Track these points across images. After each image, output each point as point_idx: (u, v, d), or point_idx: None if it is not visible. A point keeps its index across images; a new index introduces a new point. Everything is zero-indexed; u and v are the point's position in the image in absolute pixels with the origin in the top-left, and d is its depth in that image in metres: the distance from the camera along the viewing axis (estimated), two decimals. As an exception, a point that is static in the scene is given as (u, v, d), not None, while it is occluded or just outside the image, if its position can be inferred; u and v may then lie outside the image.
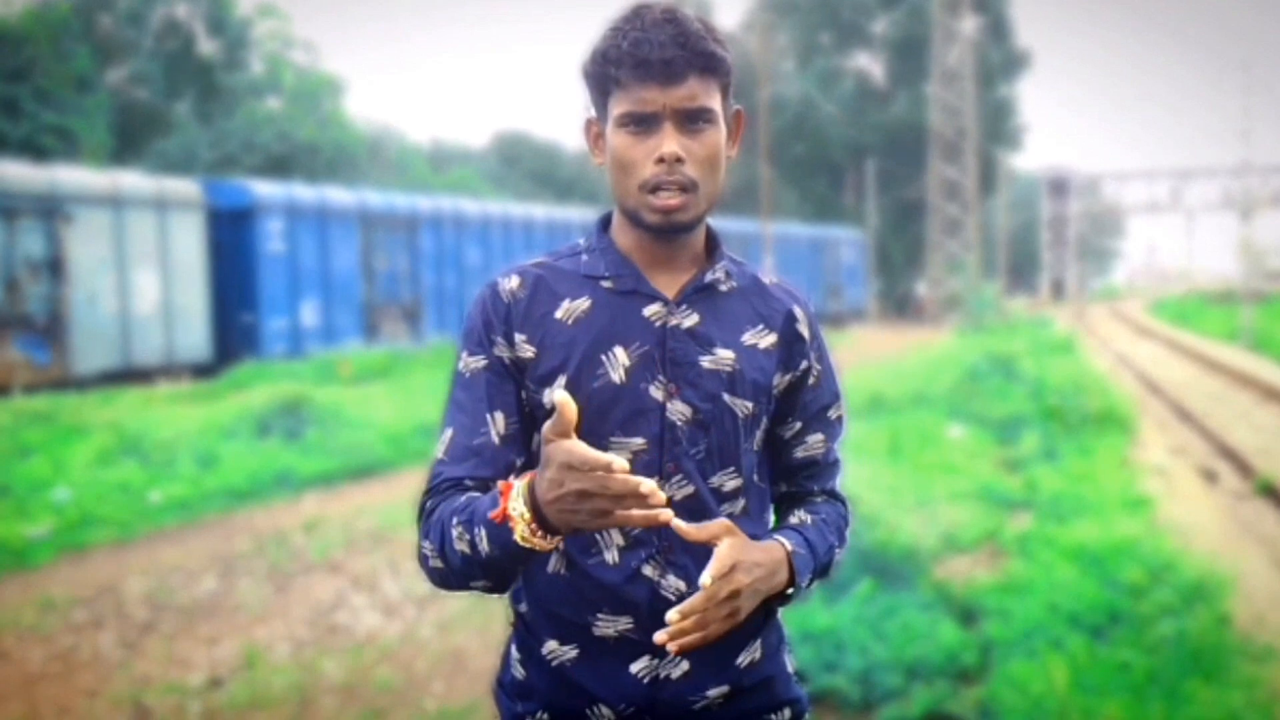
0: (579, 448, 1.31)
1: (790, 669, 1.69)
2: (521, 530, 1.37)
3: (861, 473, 7.62)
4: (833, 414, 1.72)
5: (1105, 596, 5.06)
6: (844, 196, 46.15)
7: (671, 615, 1.41)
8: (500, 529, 1.39)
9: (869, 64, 47.42)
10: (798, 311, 1.66)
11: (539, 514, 1.35)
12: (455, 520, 1.46)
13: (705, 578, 1.41)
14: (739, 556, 1.45)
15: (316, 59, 37.11)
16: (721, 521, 1.49)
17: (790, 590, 1.55)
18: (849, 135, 44.31)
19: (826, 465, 1.73)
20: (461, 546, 1.45)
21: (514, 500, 1.37)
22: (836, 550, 1.67)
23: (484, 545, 1.42)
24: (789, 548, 1.55)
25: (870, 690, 4.24)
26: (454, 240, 22.77)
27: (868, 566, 5.17)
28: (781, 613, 1.67)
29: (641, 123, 1.51)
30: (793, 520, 1.67)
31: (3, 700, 4.59)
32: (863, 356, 19.68)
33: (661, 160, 1.50)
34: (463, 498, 1.50)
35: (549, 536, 1.38)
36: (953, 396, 12.45)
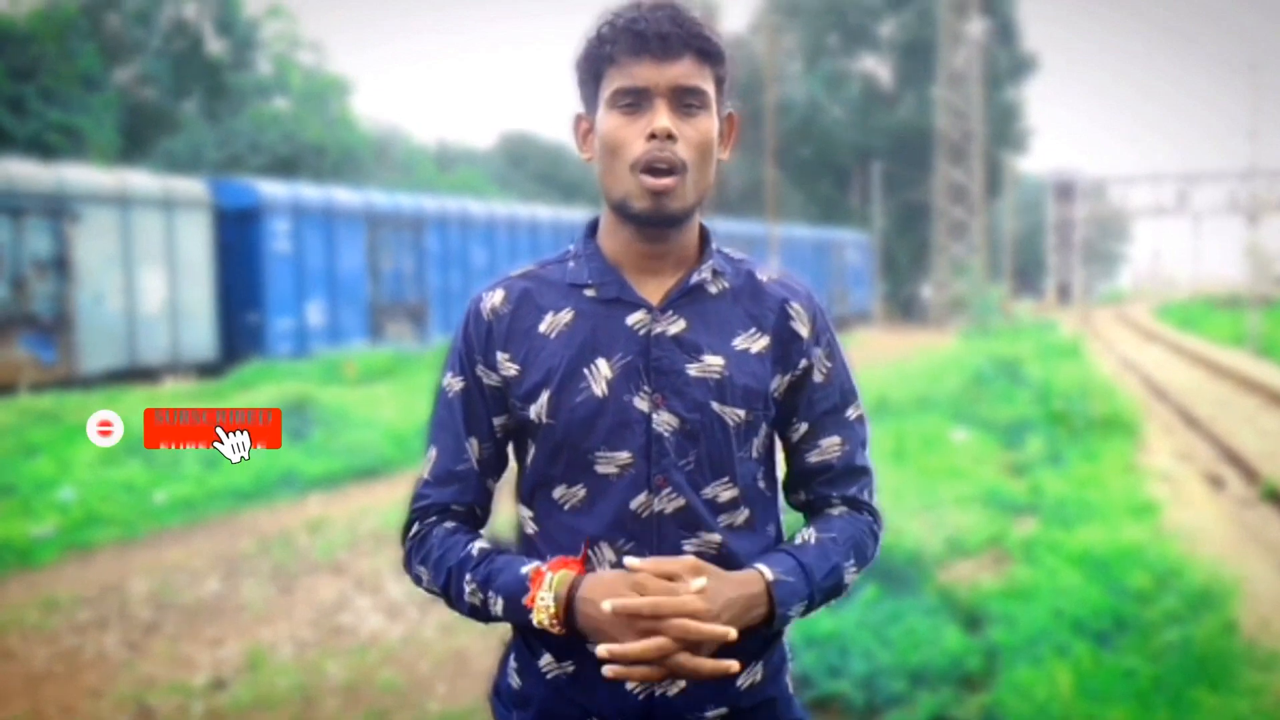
0: (668, 605, 1.39)
1: (791, 689, 1.64)
2: (541, 618, 1.45)
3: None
4: (850, 414, 1.63)
5: (1110, 602, 5.04)
6: (850, 199, 46.10)
7: (603, 652, 1.41)
8: (520, 608, 1.47)
9: (876, 66, 47.39)
10: (792, 307, 1.59)
11: (569, 611, 1.44)
12: (469, 576, 1.53)
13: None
14: (705, 604, 1.41)
15: (324, 60, 37.13)
16: (685, 560, 1.44)
17: (774, 619, 1.48)
18: (855, 137, 44.27)
19: (846, 471, 1.62)
20: (473, 600, 1.53)
21: (544, 592, 1.46)
22: (848, 570, 1.57)
23: (497, 610, 1.52)
24: (770, 578, 1.47)
25: (874, 696, 4.22)
26: (460, 241, 22.78)
27: (872, 571, 5.14)
28: (788, 632, 1.63)
29: (634, 99, 1.48)
30: (796, 539, 1.57)
31: (7, 699, 4.59)
32: (868, 359, 19.65)
33: (653, 136, 1.47)
34: (469, 546, 1.56)
35: (564, 628, 1.45)
36: (958, 400, 12.43)
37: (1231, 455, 10.62)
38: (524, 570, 1.49)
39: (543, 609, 1.45)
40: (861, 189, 45.33)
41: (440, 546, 1.57)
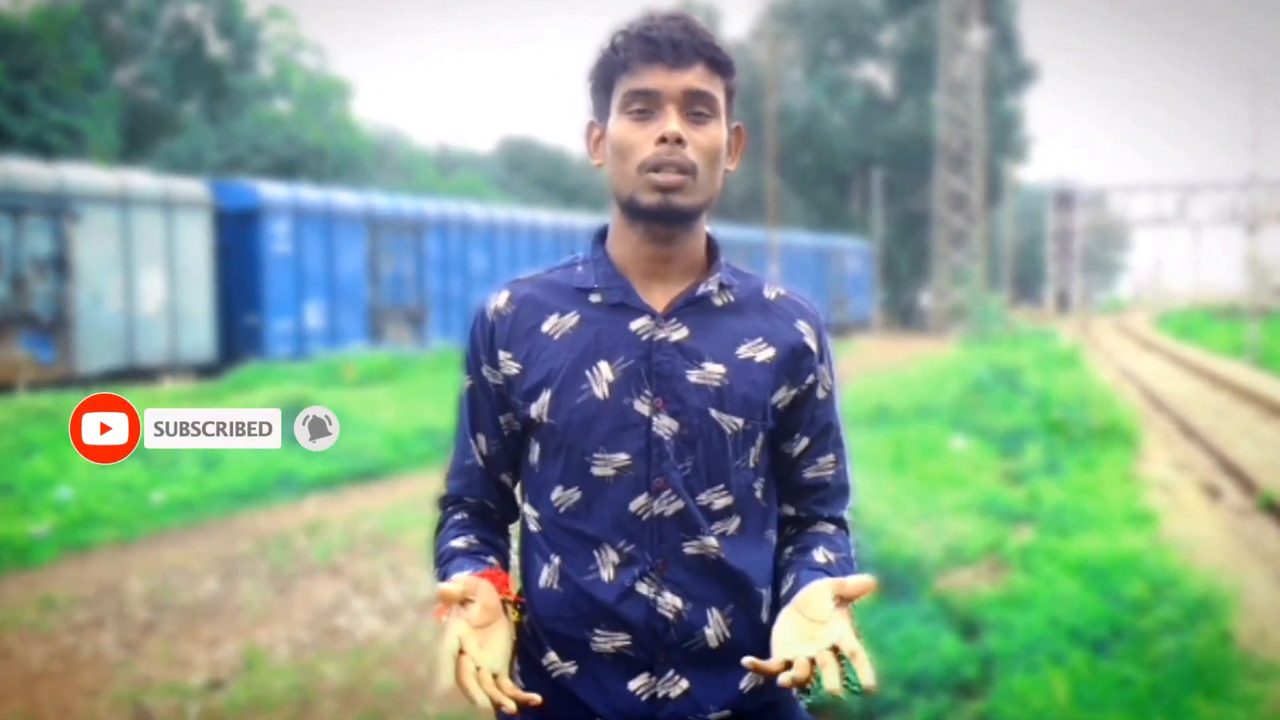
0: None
1: (795, 694, 1.63)
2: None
3: (865, 484, 7.58)
4: (842, 433, 1.68)
5: (1107, 611, 5.05)
6: (850, 206, 46.14)
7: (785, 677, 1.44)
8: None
9: (876, 74, 47.44)
10: (803, 325, 1.61)
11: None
12: (437, 572, 1.61)
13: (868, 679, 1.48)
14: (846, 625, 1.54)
15: (325, 62, 37.13)
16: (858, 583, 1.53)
17: None
18: (855, 145, 44.31)
19: (839, 489, 1.68)
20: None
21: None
22: None
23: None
24: None
25: (870, 703, 4.22)
26: (460, 245, 22.79)
27: (870, 577, 5.15)
28: None
29: (646, 103, 1.50)
30: (817, 559, 1.60)
31: (4, 699, 4.59)
32: (867, 367, 19.68)
33: (663, 140, 1.49)
34: (451, 541, 1.62)
35: None
36: (957, 408, 12.42)
37: (1229, 466, 10.63)
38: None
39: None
40: (862, 196, 45.37)
41: (441, 537, 1.66)
